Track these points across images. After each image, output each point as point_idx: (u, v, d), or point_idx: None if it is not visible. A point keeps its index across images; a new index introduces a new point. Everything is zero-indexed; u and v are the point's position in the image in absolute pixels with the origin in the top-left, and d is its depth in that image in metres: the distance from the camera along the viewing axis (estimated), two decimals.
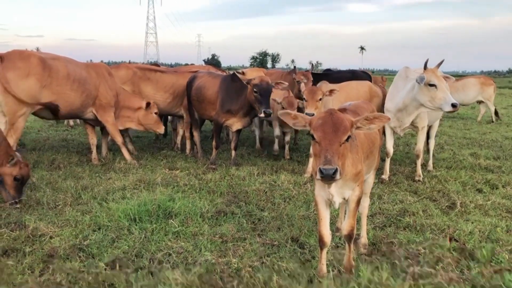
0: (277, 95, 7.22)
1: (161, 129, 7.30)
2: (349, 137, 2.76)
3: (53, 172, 6.24)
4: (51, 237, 4.02)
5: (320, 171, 2.61)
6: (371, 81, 8.79)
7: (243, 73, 6.70)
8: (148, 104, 7.10)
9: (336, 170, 2.59)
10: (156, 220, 4.41)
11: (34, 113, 6.21)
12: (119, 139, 6.91)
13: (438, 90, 5.37)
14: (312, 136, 2.78)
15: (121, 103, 7.03)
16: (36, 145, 8.32)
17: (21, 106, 5.77)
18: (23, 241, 3.94)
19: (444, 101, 5.32)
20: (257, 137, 8.68)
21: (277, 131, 7.66)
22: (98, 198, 5.12)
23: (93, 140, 7.05)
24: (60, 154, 7.44)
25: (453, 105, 5.24)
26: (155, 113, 7.19)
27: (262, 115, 6.28)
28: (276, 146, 7.72)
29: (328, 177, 2.61)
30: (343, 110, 3.34)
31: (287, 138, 7.68)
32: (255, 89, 6.31)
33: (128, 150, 7.72)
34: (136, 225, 4.30)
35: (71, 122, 11.17)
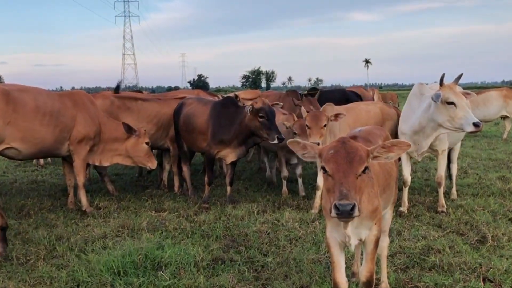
0: (281, 119, 7.25)
1: (153, 163, 7.11)
2: (365, 168, 2.76)
3: (23, 221, 6.17)
4: None
5: (336, 207, 2.59)
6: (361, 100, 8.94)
7: (236, 97, 6.76)
8: (129, 129, 6.89)
9: (354, 206, 2.57)
10: (144, 273, 4.35)
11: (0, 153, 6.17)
12: (81, 179, 6.73)
13: (457, 108, 5.42)
14: (324, 168, 2.78)
15: (106, 134, 6.92)
16: (1, 190, 8.26)
17: None
18: None
19: (465, 120, 5.37)
20: (267, 164, 8.53)
21: (285, 171, 7.54)
22: (76, 249, 5.06)
23: (70, 181, 6.99)
24: (30, 199, 7.38)
25: (476, 125, 5.29)
26: (146, 143, 7.06)
27: (276, 141, 6.33)
28: (284, 188, 7.57)
29: (346, 214, 2.59)
30: (353, 137, 3.35)
31: (298, 170, 7.58)
32: (261, 114, 6.37)
33: (107, 190, 7.70)
34: (120, 279, 4.23)
35: (41, 161, 11.13)
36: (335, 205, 2.60)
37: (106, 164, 7.12)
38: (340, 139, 2.87)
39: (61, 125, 6.44)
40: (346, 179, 2.67)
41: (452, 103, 5.45)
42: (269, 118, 6.40)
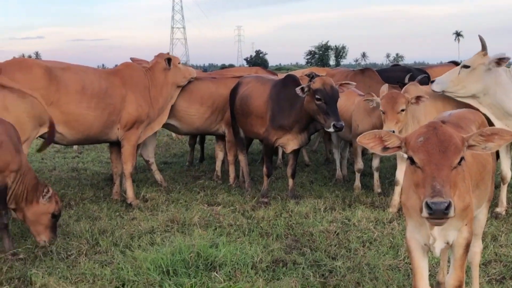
0: (357, 101, 7.22)
1: (193, 73, 7.71)
2: (462, 159, 2.72)
3: (63, 212, 6.45)
4: None
5: (428, 206, 2.56)
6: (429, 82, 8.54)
7: (312, 77, 6.65)
8: (169, 61, 7.31)
9: (449, 204, 2.54)
10: (195, 273, 4.48)
11: (41, 137, 6.50)
12: (129, 167, 7.02)
13: None
14: (411, 159, 2.76)
15: (157, 93, 7.24)
16: (39, 177, 8.66)
17: (24, 130, 6.07)
18: None
19: None
20: (337, 162, 8.43)
21: (359, 163, 7.43)
22: (121, 244, 5.28)
23: (117, 168, 7.30)
24: (70, 188, 7.76)
25: None
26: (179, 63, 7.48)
27: (332, 129, 6.28)
28: (357, 182, 7.53)
29: (439, 214, 2.56)
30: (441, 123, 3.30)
31: (376, 162, 7.42)
32: (317, 96, 6.33)
33: (157, 181, 7.94)
34: (169, 279, 4.37)
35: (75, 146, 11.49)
36: (426, 203, 2.57)
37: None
38: (431, 124, 2.83)
39: (109, 108, 6.70)
40: (440, 172, 2.63)
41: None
42: (327, 101, 6.33)
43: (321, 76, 6.78)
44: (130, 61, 7.47)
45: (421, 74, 9.32)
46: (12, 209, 5.29)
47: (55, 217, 5.29)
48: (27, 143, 6.12)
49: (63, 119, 6.37)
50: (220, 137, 8.38)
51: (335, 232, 5.59)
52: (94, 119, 6.58)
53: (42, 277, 4.47)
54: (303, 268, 4.64)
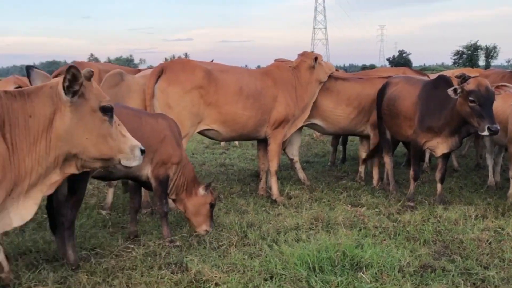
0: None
1: (332, 67, 7.96)
2: None
3: None
4: (216, 284, 4.42)
5: None
6: None
7: (463, 79, 6.43)
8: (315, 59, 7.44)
9: None
10: (342, 272, 4.54)
11: (200, 133, 7.00)
12: (275, 165, 7.27)
13: None
14: None
15: (303, 90, 7.43)
16: None
17: (183, 126, 6.53)
18: (186, 287, 4.42)
19: None
20: (490, 168, 8.07)
21: None
22: (268, 238, 5.49)
23: (263, 165, 7.59)
24: (219, 182, 8.21)
25: None
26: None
27: (486, 133, 6.02)
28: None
29: None
30: None
31: None
32: (471, 98, 6.10)
33: (300, 179, 8.12)
34: (316, 276, 4.47)
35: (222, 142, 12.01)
36: None
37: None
38: None
39: (263, 108, 7.03)
40: None
41: None
42: (482, 104, 6.04)
43: (475, 76, 6.52)
44: (273, 61, 7.72)
45: None
46: (172, 199, 5.72)
47: (212, 206, 5.70)
48: (186, 139, 6.59)
49: (220, 118, 6.79)
50: (365, 138, 8.36)
51: (487, 240, 5.38)
52: (249, 119, 6.93)
53: (197, 264, 4.75)
54: (452, 276, 4.52)
